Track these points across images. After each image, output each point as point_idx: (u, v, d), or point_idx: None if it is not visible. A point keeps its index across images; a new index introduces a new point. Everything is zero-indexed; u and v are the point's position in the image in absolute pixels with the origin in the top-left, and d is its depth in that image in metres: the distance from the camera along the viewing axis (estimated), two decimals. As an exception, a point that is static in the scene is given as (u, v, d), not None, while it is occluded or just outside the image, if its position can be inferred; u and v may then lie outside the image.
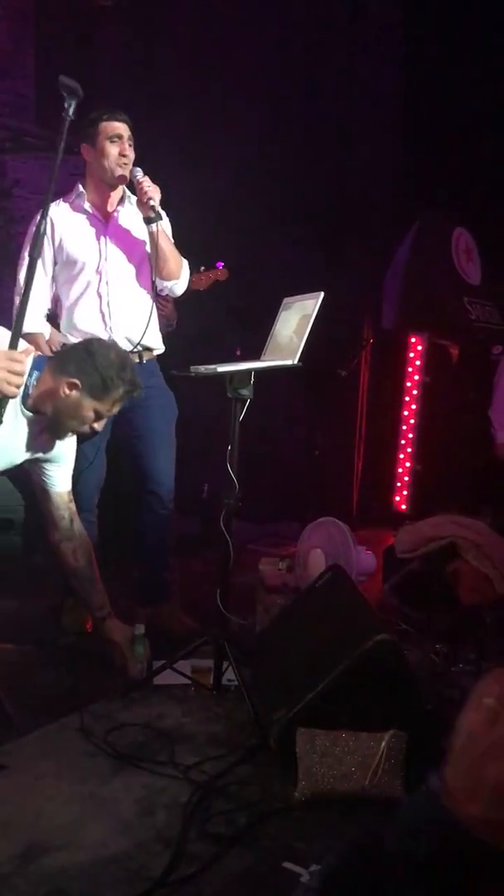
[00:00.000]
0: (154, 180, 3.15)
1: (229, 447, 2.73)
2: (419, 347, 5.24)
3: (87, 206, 3.21)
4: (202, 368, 2.59)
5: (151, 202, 3.06)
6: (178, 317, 4.16)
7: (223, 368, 2.59)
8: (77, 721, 2.57)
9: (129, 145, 3.16)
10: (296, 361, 2.56)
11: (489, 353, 5.14)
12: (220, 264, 4.05)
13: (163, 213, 3.15)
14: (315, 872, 1.09)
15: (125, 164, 3.14)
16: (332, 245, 5.02)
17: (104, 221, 3.22)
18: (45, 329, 3.29)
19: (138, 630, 2.84)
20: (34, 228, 2.76)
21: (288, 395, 4.50)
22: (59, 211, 3.19)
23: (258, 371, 2.71)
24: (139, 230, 3.22)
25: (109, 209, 3.24)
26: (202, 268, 4.07)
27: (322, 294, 2.55)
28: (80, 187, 3.23)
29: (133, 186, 3.17)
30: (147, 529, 3.35)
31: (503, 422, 4.51)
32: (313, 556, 3.29)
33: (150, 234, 3.11)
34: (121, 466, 3.42)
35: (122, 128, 3.14)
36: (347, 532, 3.22)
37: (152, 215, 3.06)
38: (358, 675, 2.30)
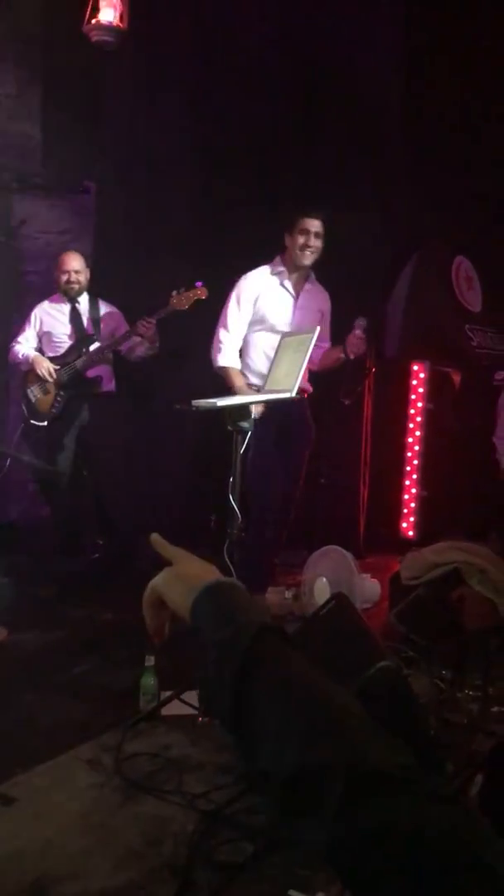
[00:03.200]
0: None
1: (231, 479, 2.78)
2: (422, 375, 5.30)
3: (286, 282, 4.15)
4: (203, 402, 2.65)
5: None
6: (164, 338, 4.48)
7: (223, 402, 2.66)
8: (86, 752, 2.60)
9: (315, 238, 4.05)
10: (293, 393, 2.62)
11: (492, 378, 5.20)
12: (199, 283, 4.21)
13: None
14: None
15: (310, 253, 4.06)
16: (333, 275, 5.10)
17: (295, 296, 4.17)
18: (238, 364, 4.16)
19: (148, 661, 2.88)
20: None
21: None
22: (260, 275, 4.15)
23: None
24: (317, 306, 4.26)
25: (299, 287, 4.20)
26: (182, 289, 4.20)
27: (318, 329, 2.62)
28: (281, 265, 4.17)
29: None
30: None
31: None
32: (318, 585, 3.32)
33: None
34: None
35: (310, 223, 4.04)
36: (351, 559, 3.26)
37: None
38: (360, 701, 2.32)
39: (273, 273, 4.17)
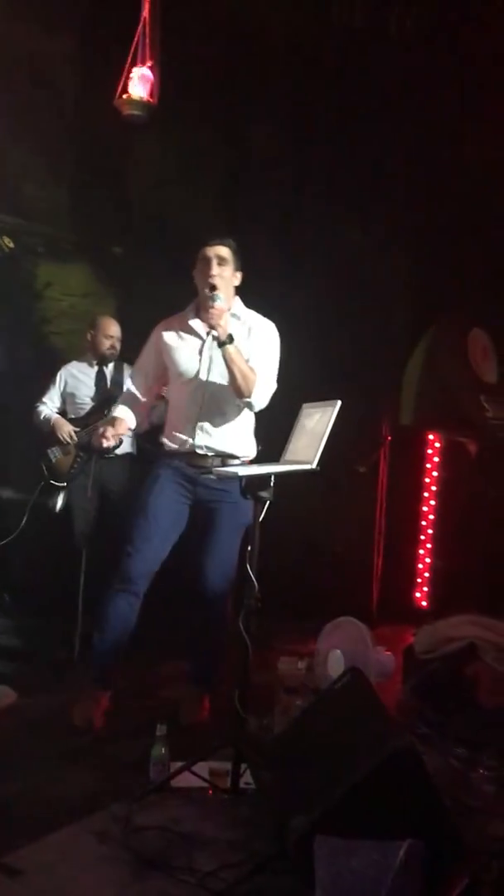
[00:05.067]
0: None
1: (249, 547, 2.79)
2: (437, 444, 5.33)
3: (193, 321, 3.44)
4: (223, 470, 2.67)
5: (212, 331, 3.22)
6: None
7: (244, 472, 2.68)
8: (93, 824, 2.56)
9: (219, 265, 3.32)
10: (314, 465, 2.64)
11: (507, 449, 5.22)
12: None
13: (232, 338, 3.22)
14: None
15: (219, 279, 3.30)
16: (352, 345, 5.17)
17: (204, 337, 3.41)
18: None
19: (160, 731, 2.85)
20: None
21: (307, 492, 4.56)
22: (169, 320, 3.52)
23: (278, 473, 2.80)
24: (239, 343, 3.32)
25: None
26: None
27: (339, 403, 2.65)
28: (193, 305, 3.48)
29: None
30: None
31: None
32: (332, 657, 3.30)
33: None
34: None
35: (210, 250, 3.33)
36: (366, 633, 3.24)
37: (223, 340, 3.20)
38: (376, 783, 2.29)
39: (183, 315, 3.51)
